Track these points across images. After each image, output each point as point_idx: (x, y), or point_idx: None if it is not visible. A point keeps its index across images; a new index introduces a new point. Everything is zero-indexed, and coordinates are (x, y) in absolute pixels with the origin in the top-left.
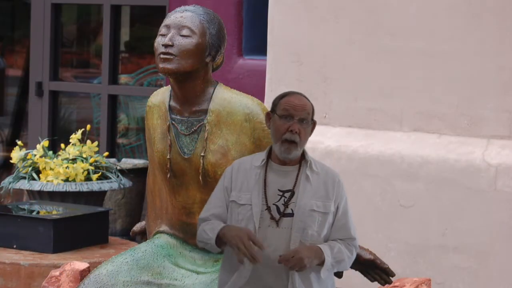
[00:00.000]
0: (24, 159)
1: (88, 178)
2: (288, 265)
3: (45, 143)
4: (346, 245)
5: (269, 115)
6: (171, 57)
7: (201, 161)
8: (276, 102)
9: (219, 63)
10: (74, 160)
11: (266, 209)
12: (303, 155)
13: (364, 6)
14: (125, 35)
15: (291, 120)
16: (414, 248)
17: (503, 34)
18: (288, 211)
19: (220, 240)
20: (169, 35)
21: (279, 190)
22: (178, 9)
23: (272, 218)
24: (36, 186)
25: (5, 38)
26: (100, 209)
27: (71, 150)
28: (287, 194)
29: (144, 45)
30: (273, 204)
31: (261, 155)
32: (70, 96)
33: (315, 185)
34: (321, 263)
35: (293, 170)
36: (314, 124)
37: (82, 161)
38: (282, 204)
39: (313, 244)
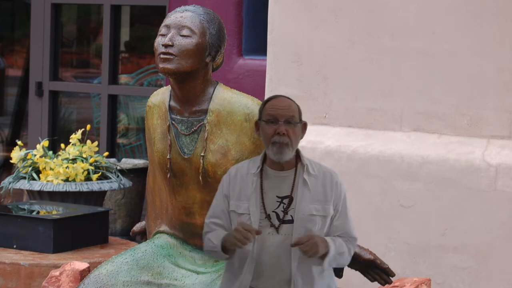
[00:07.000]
0: (24, 159)
1: (88, 178)
2: (304, 249)
3: (45, 143)
4: (345, 240)
5: (257, 124)
6: (171, 57)
7: (201, 161)
8: (261, 109)
9: (219, 63)
10: (74, 160)
11: (265, 217)
12: (300, 158)
13: (364, 6)
14: (125, 35)
15: (277, 123)
16: (414, 248)
17: (503, 34)
18: (288, 217)
19: (225, 246)
20: (169, 35)
21: (277, 196)
22: (178, 9)
23: (272, 225)
24: (36, 186)
25: (5, 38)
26: (100, 209)
27: (71, 150)
28: (286, 200)
29: (144, 45)
30: (273, 211)
31: (257, 161)
32: (70, 96)
33: (314, 189)
34: (325, 254)
35: (290, 175)
36: (304, 125)
37: (82, 161)
38: (282, 211)
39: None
